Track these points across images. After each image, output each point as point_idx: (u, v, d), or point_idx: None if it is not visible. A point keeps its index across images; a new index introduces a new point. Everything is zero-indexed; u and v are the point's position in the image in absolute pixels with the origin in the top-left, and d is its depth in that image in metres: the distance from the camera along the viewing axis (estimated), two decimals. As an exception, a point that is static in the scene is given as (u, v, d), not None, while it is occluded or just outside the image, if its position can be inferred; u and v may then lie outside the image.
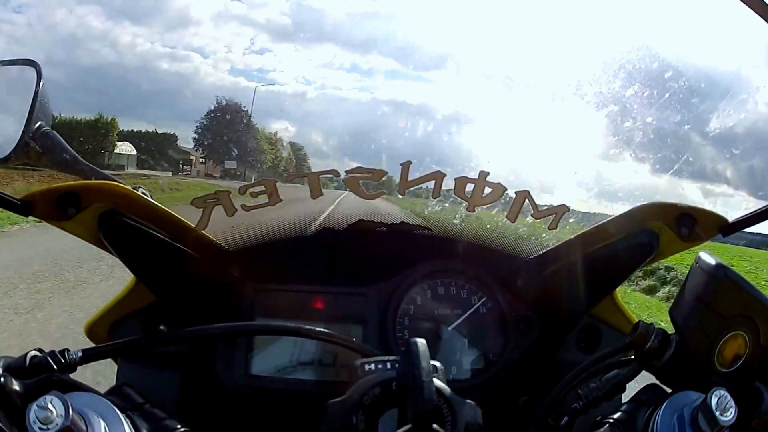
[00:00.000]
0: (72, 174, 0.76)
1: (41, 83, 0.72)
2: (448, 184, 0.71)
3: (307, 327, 0.65)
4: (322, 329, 0.64)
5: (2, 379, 0.43)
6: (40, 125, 0.72)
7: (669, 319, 0.60)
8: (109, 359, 0.66)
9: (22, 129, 0.72)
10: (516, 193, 0.71)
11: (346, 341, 0.64)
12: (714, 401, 0.47)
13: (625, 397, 0.59)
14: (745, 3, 0.54)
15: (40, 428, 0.39)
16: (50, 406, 0.39)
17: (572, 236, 0.74)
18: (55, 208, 0.63)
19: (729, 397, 0.47)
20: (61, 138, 0.74)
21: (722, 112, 0.76)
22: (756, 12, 0.55)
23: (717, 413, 0.46)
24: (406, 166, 0.71)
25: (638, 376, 0.60)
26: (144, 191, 0.70)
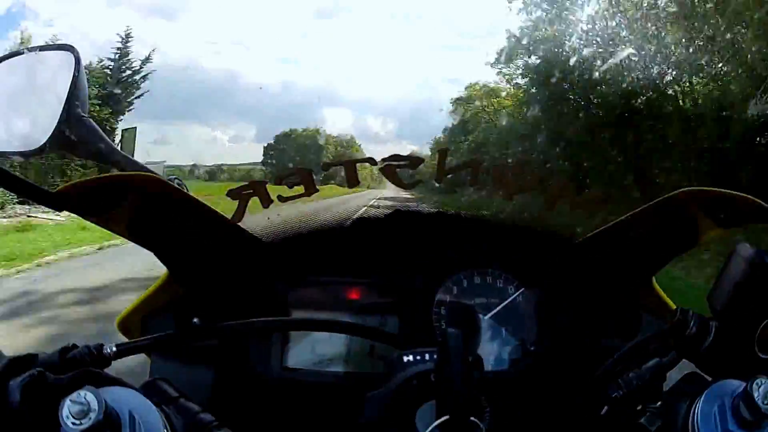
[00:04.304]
0: (108, 165, 0.73)
1: (79, 69, 0.69)
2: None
3: (345, 321, 0.65)
4: (360, 324, 0.64)
5: (37, 374, 0.42)
6: (76, 113, 0.70)
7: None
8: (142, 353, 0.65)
9: (57, 117, 0.70)
10: (553, 182, 0.70)
11: (385, 335, 0.65)
12: (756, 390, 0.46)
13: (666, 386, 0.59)
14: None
15: (73, 423, 0.38)
16: (84, 401, 0.39)
17: (609, 224, 0.74)
18: (90, 202, 0.60)
19: None
20: (97, 126, 0.72)
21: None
22: None
23: (759, 402, 0.46)
24: (442, 154, 0.69)
25: (678, 365, 0.60)
26: (180, 182, 0.69)
